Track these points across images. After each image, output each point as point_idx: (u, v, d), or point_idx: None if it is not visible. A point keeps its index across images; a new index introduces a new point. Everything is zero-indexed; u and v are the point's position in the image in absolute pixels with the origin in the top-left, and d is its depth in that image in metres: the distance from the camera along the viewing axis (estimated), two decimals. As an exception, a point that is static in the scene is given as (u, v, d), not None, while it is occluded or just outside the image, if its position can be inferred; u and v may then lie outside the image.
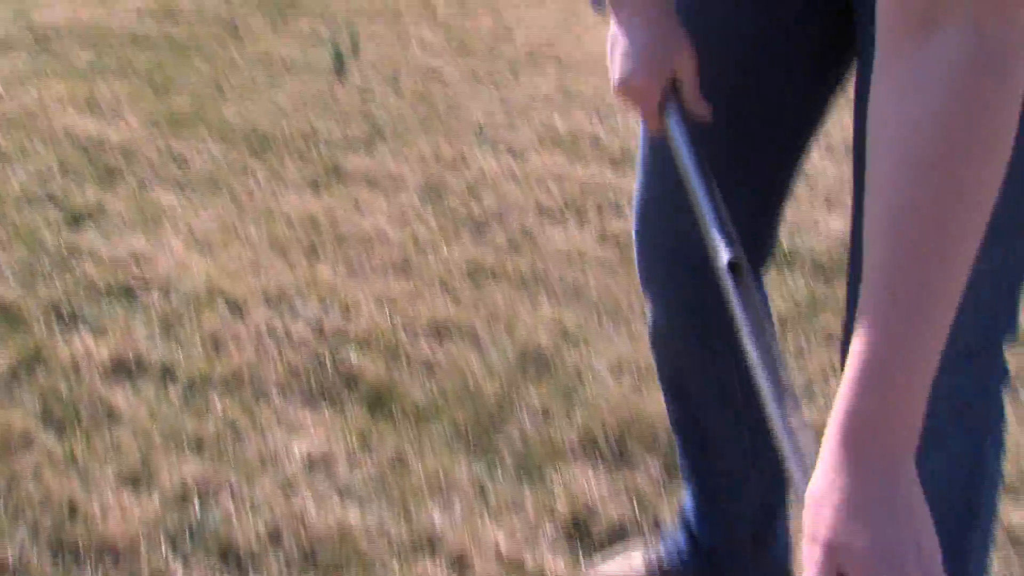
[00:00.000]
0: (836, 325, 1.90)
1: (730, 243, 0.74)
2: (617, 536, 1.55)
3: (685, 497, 1.42)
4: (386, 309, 2.14)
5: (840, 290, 1.51)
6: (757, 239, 1.14)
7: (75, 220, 2.53)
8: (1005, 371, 1.04)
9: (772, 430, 0.66)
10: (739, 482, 1.31)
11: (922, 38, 0.62)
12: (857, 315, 0.62)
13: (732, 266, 0.70)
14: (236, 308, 2.15)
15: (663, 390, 1.35)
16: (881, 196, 0.63)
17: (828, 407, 0.61)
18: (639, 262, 1.25)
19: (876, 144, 0.65)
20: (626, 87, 1.03)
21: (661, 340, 1.29)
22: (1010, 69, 0.61)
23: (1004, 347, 1.02)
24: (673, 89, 1.00)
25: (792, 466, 0.64)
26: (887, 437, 0.59)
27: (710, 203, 0.73)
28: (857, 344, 0.61)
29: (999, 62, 0.60)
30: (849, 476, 0.59)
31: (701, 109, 1.02)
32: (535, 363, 1.95)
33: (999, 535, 1.47)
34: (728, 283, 0.69)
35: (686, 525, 1.40)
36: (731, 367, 1.00)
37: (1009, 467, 1.56)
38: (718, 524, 1.36)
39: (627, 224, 2.17)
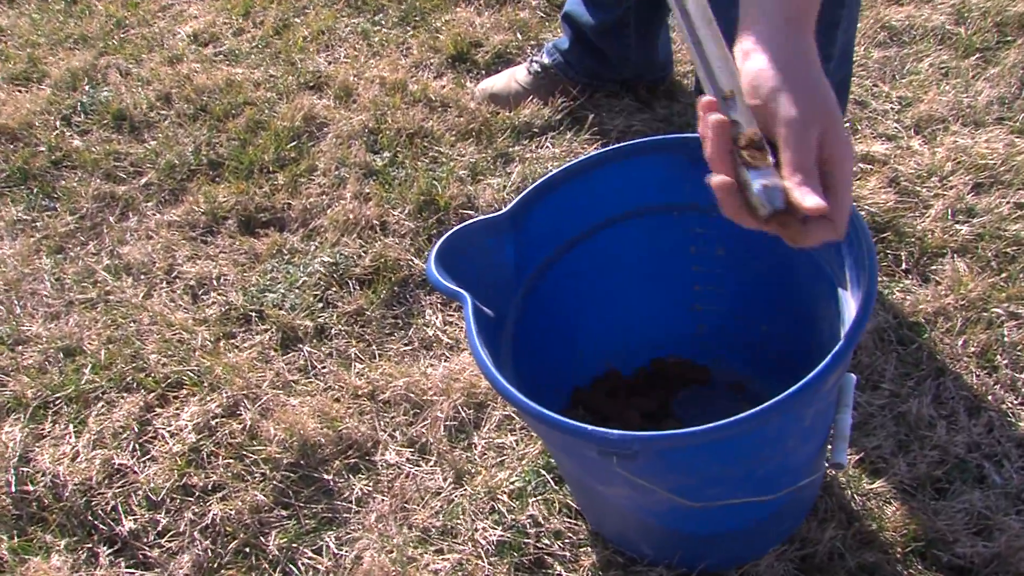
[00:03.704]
0: None
1: None
2: (502, 63, 1.57)
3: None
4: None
5: None
6: None
7: None
8: None
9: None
10: None
11: None
12: None
13: None
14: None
15: None
16: None
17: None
18: None
19: None
20: None
21: None
22: None
23: None
24: None
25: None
26: (807, 26, 0.74)
27: None
28: None
29: None
30: (798, 59, 0.73)
31: None
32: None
33: None
34: None
35: (571, 22, 1.41)
36: None
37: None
38: (608, 9, 1.38)
39: None
